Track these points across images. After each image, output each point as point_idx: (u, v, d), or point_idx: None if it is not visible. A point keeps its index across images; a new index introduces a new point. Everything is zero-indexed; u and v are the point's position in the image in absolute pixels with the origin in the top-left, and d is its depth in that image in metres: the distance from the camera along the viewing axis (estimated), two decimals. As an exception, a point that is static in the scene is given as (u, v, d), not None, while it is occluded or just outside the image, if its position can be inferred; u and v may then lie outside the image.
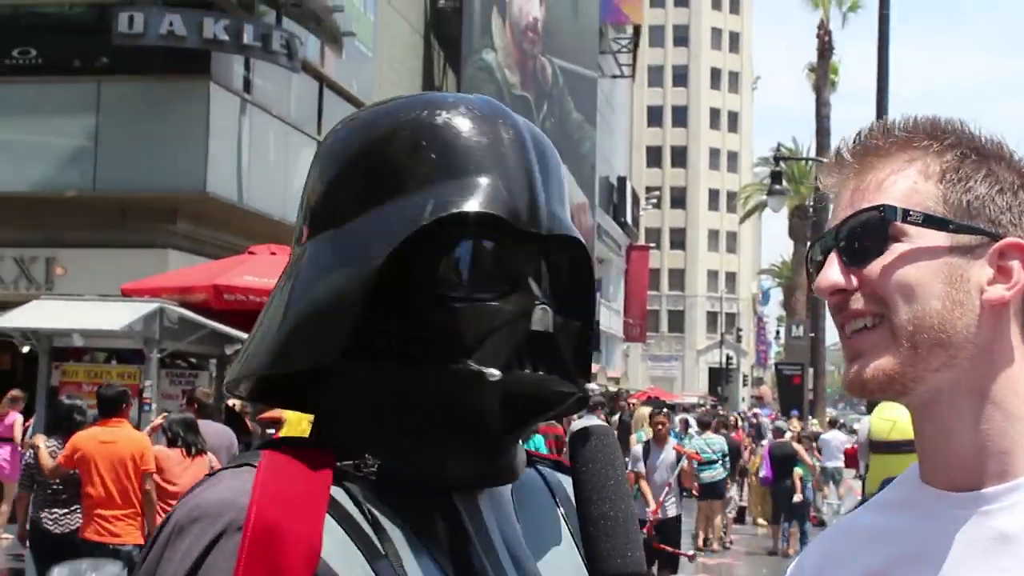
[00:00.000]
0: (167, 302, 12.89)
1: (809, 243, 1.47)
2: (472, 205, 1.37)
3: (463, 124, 1.44)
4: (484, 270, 1.40)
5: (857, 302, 1.36)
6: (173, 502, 8.59)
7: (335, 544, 1.28)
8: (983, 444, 1.34)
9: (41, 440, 9.49)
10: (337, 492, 1.34)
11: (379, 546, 1.32)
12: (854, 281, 1.36)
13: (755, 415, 39.38)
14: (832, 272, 1.37)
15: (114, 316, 12.15)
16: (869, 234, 1.36)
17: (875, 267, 1.35)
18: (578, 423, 1.45)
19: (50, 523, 9.22)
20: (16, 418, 15.36)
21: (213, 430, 10.59)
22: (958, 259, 1.33)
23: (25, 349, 13.14)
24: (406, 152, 1.42)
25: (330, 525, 1.29)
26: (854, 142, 1.43)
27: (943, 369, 1.33)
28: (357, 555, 1.30)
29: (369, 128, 1.47)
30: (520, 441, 1.50)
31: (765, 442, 21.03)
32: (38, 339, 12.88)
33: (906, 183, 1.37)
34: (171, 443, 9.68)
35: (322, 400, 1.49)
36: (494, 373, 1.35)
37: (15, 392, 15.61)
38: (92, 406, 9.97)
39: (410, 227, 1.36)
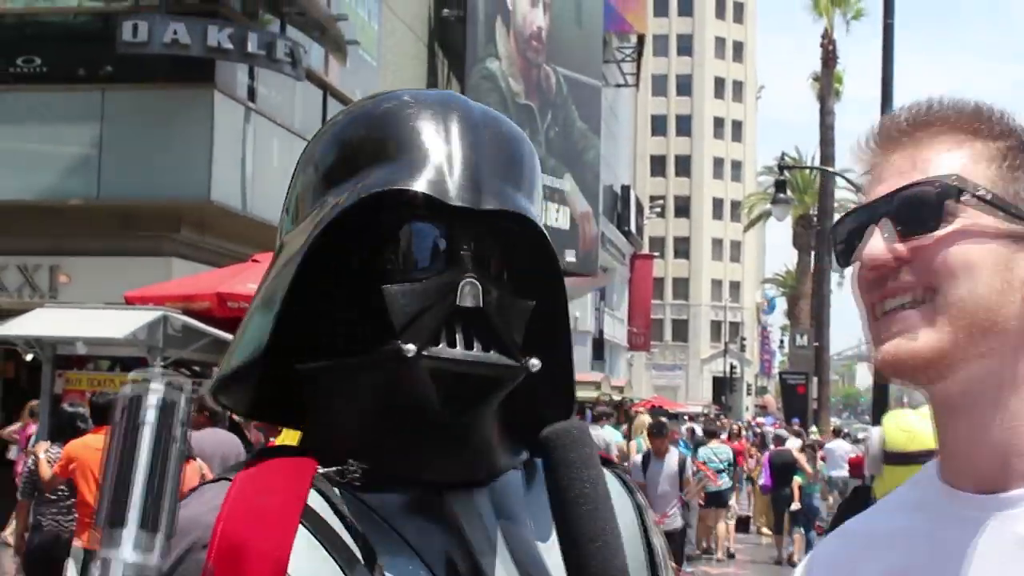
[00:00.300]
0: (170, 310, 12.89)
1: (840, 217, 1.42)
2: (393, 185, 1.38)
3: (403, 111, 1.45)
4: (418, 251, 1.40)
5: (904, 276, 1.30)
6: None
7: (306, 557, 1.27)
8: (1012, 442, 1.29)
9: (42, 448, 9.52)
10: (316, 501, 1.33)
11: (357, 553, 1.30)
12: (904, 253, 1.30)
13: (759, 424, 39.37)
14: (878, 242, 1.31)
15: (117, 324, 12.16)
16: (924, 207, 1.30)
17: (930, 241, 1.29)
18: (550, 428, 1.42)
19: (54, 529, 9.29)
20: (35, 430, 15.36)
21: (219, 439, 10.60)
22: (1006, 247, 1.29)
23: (29, 357, 13.14)
24: (350, 144, 1.46)
25: (303, 537, 1.29)
26: (900, 119, 1.39)
27: (985, 356, 1.28)
28: (330, 564, 1.29)
29: (329, 126, 1.51)
30: (491, 435, 1.47)
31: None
32: (41, 347, 12.89)
33: (958, 163, 1.32)
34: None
35: (306, 406, 1.49)
36: (410, 348, 1.33)
37: (34, 403, 15.63)
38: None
39: (330, 214, 1.37)
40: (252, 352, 1.42)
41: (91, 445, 9.04)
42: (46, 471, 9.33)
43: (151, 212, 18.15)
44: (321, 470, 1.37)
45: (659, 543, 1.57)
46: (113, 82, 18.60)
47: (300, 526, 1.29)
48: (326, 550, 1.29)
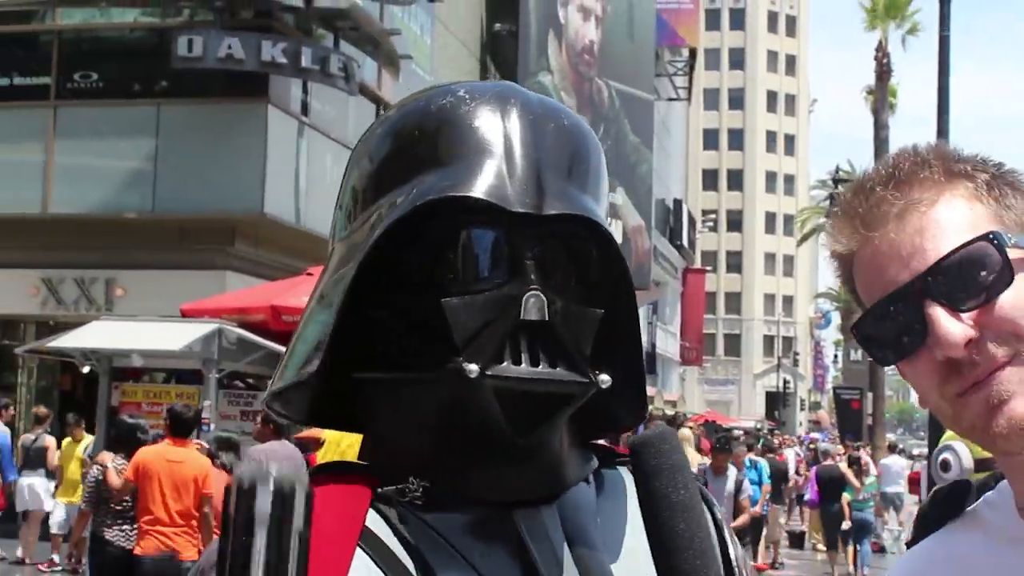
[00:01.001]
0: (226, 323, 12.97)
1: (865, 312, 1.31)
2: (450, 192, 1.29)
3: (459, 109, 1.36)
4: (478, 260, 1.31)
5: (989, 345, 1.21)
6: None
7: None
8: None
9: (109, 458, 9.60)
10: (374, 521, 1.28)
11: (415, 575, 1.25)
12: (976, 326, 1.22)
13: (812, 440, 39.11)
14: (953, 324, 1.21)
15: (173, 337, 12.25)
16: (985, 267, 1.23)
17: (1008, 301, 1.22)
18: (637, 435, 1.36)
19: (122, 539, 9.35)
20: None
21: (283, 452, 10.63)
22: None
23: (85, 369, 13.26)
24: (400, 144, 1.38)
25: (360, 560, 1.24)
26: (882, 177, 1.30)
27: None
28: None
29: (380, 123, 1.43)
30: (561, 449, 1.39)
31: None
32: (98, 359, 13.01)
33: (969, 210, 1.27)
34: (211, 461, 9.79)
35: (363, 416, 1.44)
36: (472, 368, 1.25)
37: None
38: (153, 425, 10.09)
39: (384, 224, 1.30)
40: (310, 358, 1.35)
41: (166, 456, 9.16)
42: (116, 479, 9.42)
43: (205, 225, 18.29)
44: (380, 490, 1.31)
45: (737, 555, 1.50)
46: (168, 97, 18.79)
47: (358, 549, 1.24)
48: (383, 572, 1.25)
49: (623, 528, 1.39)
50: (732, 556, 1.48)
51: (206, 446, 10.30)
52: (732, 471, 14.47)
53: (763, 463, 17.64)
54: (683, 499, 1.31)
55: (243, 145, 18.08)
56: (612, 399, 1.42)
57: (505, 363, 1.27)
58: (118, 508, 9.38)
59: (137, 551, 9.08)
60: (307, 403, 1.47)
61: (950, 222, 1.25)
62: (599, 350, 1.36)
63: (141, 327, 13.17)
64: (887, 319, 1.27)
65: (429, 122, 1.36)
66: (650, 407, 28.44)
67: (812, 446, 34.28)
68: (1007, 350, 1.21)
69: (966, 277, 1.22)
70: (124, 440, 9.79)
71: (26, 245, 18.96)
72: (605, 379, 1.33)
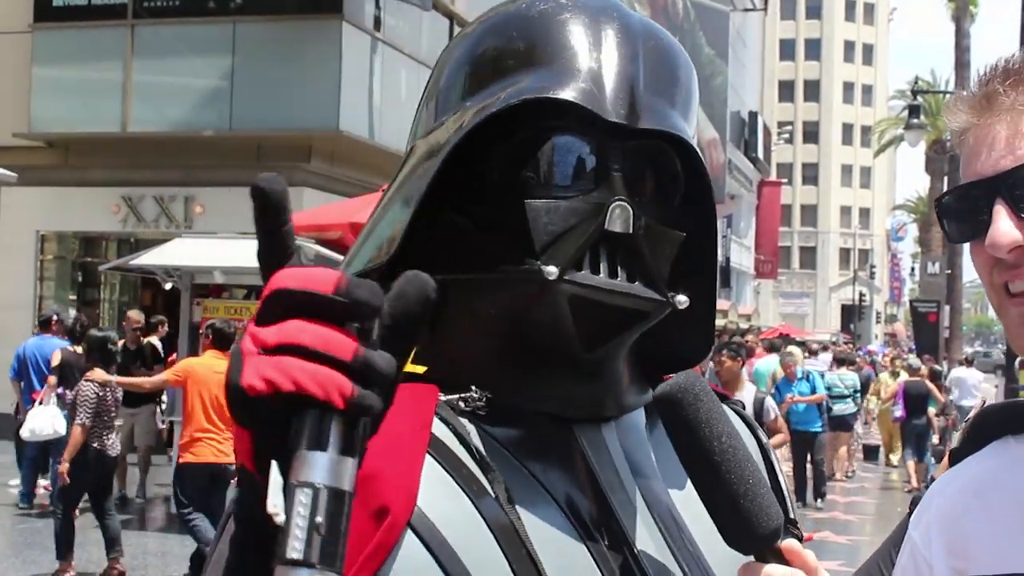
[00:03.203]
0: (303, 239, 13.09)
1: (949, 190, 1.35)
2: (547, 92, 1.25)
3: (559, 15, 1.32)
4: (565, 166, 1.28)
5: None
6: None
7: (434, 487, 1.18)
8: None
9: (101, 374, 9.89)
10: (440, 430, 1.25)
11: (486, 485, 1.22)
12: None
13: (869, 352, 39.04)
14: (1007, 226, 1.25)
15: (253, 254, 12.36)
16: None
17: None
18: (659, 386, 1.27)
19: (111, 450, 9.91)
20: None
21: None
22: None
23: (168, 286, 13.46)
24: (497, 46, 1.33)
25: (429, 467, 1.19)
26: (995, 80, 1.32)
27: None
28: (460, 496, 1.20)
29: (476, 24, 1.40)
30: (624, 371, 1.36)
31: (899, 381, 20.82)
32: (180, 276, 13.20)
33: None
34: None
35: (432, 324, 1.37)
36: (551, 271, 1.22)
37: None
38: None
39: (476, 118, 1.26)
40: (381, 250, 1.34)
41: (210, 366, 9.70)
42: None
43: (282, 143, 18.42)
44: (443, 398, 1.27)
45: (784, 481, 1.49)
46: (244, 14, 18.83)
47: (428, 456, 1.19)
48: (454, 480, 1.21)
49: (673, 457, 1.32)
50: (781, 482, 1.48)
51: None
52: (749, 388, 12.32)
53: (815, 374, 17.46)
54: (723, 447, 1.21)
55: (318, 62, 18.13)
56: (677, 330, 1.40)
57: (584, 271, 1.25)
58: (107, 418, 9.89)
59: (189, 459, 9.59)
60: None
61: None
62: (673, 273, 1.33)
63: (221, 244, 13.34)
64: (964, 201, 1.32)
65: (528, 25, 1.32)
66: (724, 321, 28.23)
67: (870, 359, 34.18)
68: None
69: None
70: (98, 351, 10.13)
71: (106, 164, 19.24)
72: (682, 299, 1.32)
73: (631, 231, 1.26)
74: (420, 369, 1.36)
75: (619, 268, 1.27)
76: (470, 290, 1.31)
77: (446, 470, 1.21)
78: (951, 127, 1.36)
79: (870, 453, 23.99)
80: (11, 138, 19.26)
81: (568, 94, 1.25)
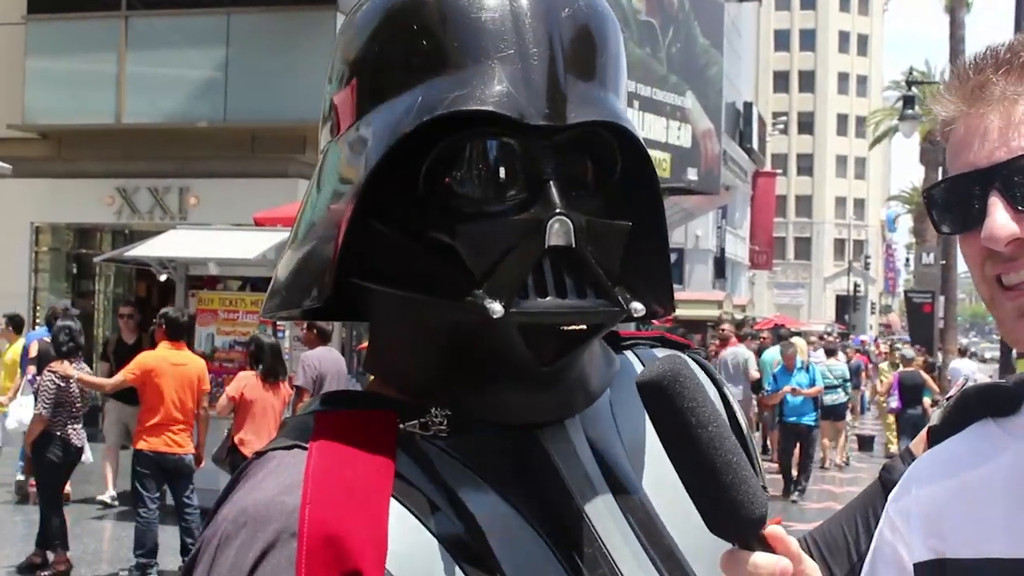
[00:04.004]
0: (296, 222, 13.07)
1: (939, 181, 1.32)
2: (459, 105, 1.15)
3: (466, 1, 1.19)
4: (493, 177, 1.19)
5: None
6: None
7: (399, 530, 1.13)
8: None
9: (65, 366, 9.91)
10: (402, 461, 1.18)
11: (450, 515, 1.17)
12: None
13: (862, 342, 39.13)
14: (1003, 219, 1.24)
15: (247, 245, 12.39)
16: None
17: None
18: (642, 372, 1.16)
19: (76, 439, 10.05)
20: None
21: (334, 357, 10.90)
22: None
23: (163, 277, 13.44)
24: (398, 40, 1.21)
25: (395, 512, 1.14)
26: (994, 60, 1.30)
27: None
28: (424, 533, 1.15)
29: (372, 14, 1.27)
30: (589, 363, 1.30)
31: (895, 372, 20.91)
32: (175, 268, 13.19)
33: None
34: (252, 364, 10.45)
35: (371, 324, 1.34)
36: (495, 309, 1.13)
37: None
38: (228, 332, 10.33)
39: (391, 139, 1.16)
40: (303, 300, 1.26)
41: (169, 360, 9.87)
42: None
43: (277, 134, 18.42)
44: (402, 426, 1.20)
45: (742, 417, 1.45)
46: (238, 5, 18.81)
47: (392, 500, 1.14)
48: (417, 518, 1.16)
49: (642, 427, 1.30)
50: (741, 423, 1.43)
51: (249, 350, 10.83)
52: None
53: (815, 367, 17.51)
54: (709, 439, 1.12)
55: (312, 53, 18.09)
56: (640, 296, 1.30)
57: (531, 297, 1.16)
58: (75, 409, 10.06)
59: (143, 447, 9.75)
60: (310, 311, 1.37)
61: None
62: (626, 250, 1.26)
63: (216, 236, 13.34)
64: (956, 193, 1.30)
65: (428, 14, 1.20)
66: (719, 311, 28.30)
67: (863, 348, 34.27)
68: None
69: None
70: (57, 344, 10.23)
71: (101, 155, 19.23)
72: (637, 307, 1.25)
73: (573, 244, 1.17)
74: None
75: (567, 283, 1.18)
76: (412, 306, 1.23)
77: (407, 508, 1.16)
78: (939, 116, 1.34)
79: (864, 443, 24.04)
80: (5, 130, 19.27)
81: (484, 102, 1.15)
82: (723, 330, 21.07)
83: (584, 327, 1.20)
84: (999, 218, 1.23)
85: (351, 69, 1.28)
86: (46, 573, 9.96)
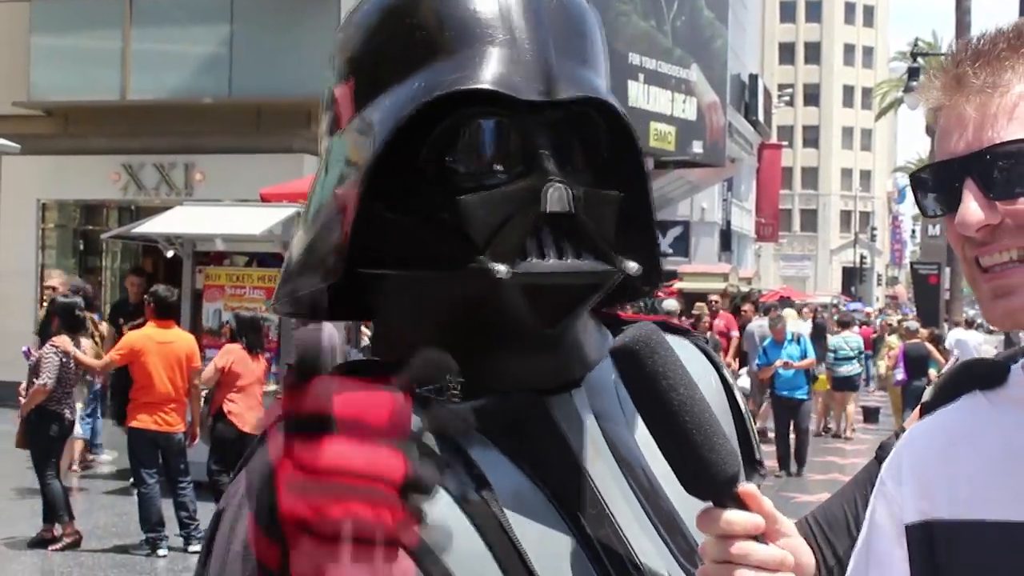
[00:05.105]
0: (302, 206, 13.11)
1: (923, 167, 1.38)
2: (457, 85, 1.23)
3: None
4: (492, 152, 1.28)
5: (1005, 236, 1.29)
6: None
7: None
8: None
9: (69, 344, 9.98)
10: (416, 422, 1.19)
11: (464, 475, 1.23)
12: (1000, 215, 1.29)
13: (867, 314, 39.21)
14: (974, 207, 1.29)
15: (254, 221, 12.41)
16: (1019, 169, 1.28)
17: None
18: (615, 339, 1.24)
19: (69, 414, 10.22)
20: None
21: (328, 331, 10.94)
22: None
23: (170, 254, 13.47)
24: (400, 36, 1.30)
25: None
26: (972, 52, 1.34)
27: None
28: (440, 496, 1.17)
29: (372, 12, 1.35)
30: (584, 331, 1.38)
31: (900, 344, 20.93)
32: (182, 244, 13.22)
33: None
34: (232, 339, 10.77)
35: (377, 312, 1.41)
36: (499, 269, 1.22)
37: None
38: (235, 308, 10.39)
39: (394, 122, 1.24)
40: (319, 279, 1.32)
41: (155, 339, 9.97)
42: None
43: (282, 109, 18.40)
44: (419, 391, 1.22)
45: (741, 399, 1.51)
46: (242, -20, 18.80)
47: None
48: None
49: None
50: (739, 400, 1.51)
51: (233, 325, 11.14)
52: None
53: (806, 338, 17.40)
54: (680, 402, 1.18)
55: (317, 28, 18.08)
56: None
57: (530, 259, 1.25)
58: (71, 387, 10.25)
59: (135, 424, 9.88)
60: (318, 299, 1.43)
61: (1019, 113, 1.29)
62: (619, 224, 1.33)
63: (223, 212, 13.37)
64: (936, 179, 1.36)
65: (424, 9, 1.29)
66: (724, 284, 28.29)
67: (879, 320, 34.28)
68: (1019, 248, 1.29)
69: (1010, 171, 1.28)
70: (66, 320, 10.34)
71: (106, 132, 19.24)
72: (632, 266, 1.32)
73: (569, 209, 1.26)
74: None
75: (566, 246, 1.27)
76: (418, 284, 1.31)
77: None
78: (927, 105, 1.39)
79: (870, 415, 24.07)
80: (10, 107, 19.28)
81: (480, 81, 1.24)
82: (714, 302, 21.15)
83: (583, 284, 1.28)
84: (970, 206, 1.29)
85: (351, 65, 1.35)
86: (57, 546, 10.03)
